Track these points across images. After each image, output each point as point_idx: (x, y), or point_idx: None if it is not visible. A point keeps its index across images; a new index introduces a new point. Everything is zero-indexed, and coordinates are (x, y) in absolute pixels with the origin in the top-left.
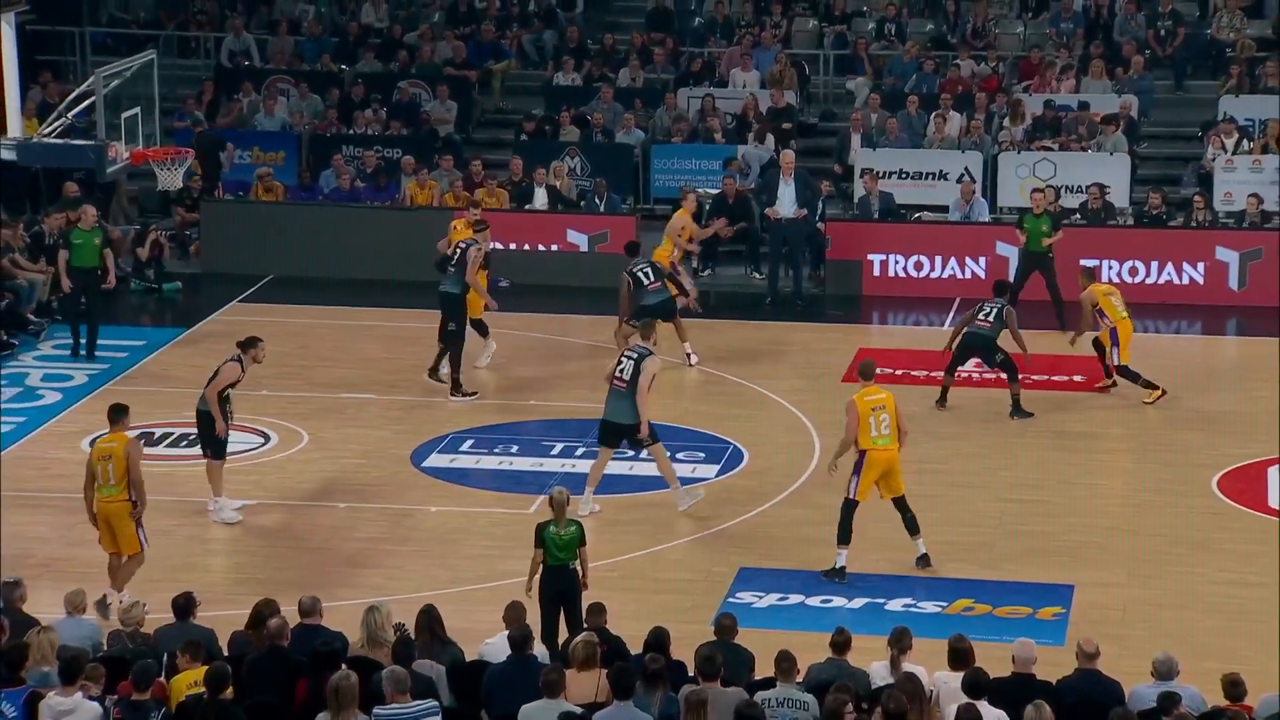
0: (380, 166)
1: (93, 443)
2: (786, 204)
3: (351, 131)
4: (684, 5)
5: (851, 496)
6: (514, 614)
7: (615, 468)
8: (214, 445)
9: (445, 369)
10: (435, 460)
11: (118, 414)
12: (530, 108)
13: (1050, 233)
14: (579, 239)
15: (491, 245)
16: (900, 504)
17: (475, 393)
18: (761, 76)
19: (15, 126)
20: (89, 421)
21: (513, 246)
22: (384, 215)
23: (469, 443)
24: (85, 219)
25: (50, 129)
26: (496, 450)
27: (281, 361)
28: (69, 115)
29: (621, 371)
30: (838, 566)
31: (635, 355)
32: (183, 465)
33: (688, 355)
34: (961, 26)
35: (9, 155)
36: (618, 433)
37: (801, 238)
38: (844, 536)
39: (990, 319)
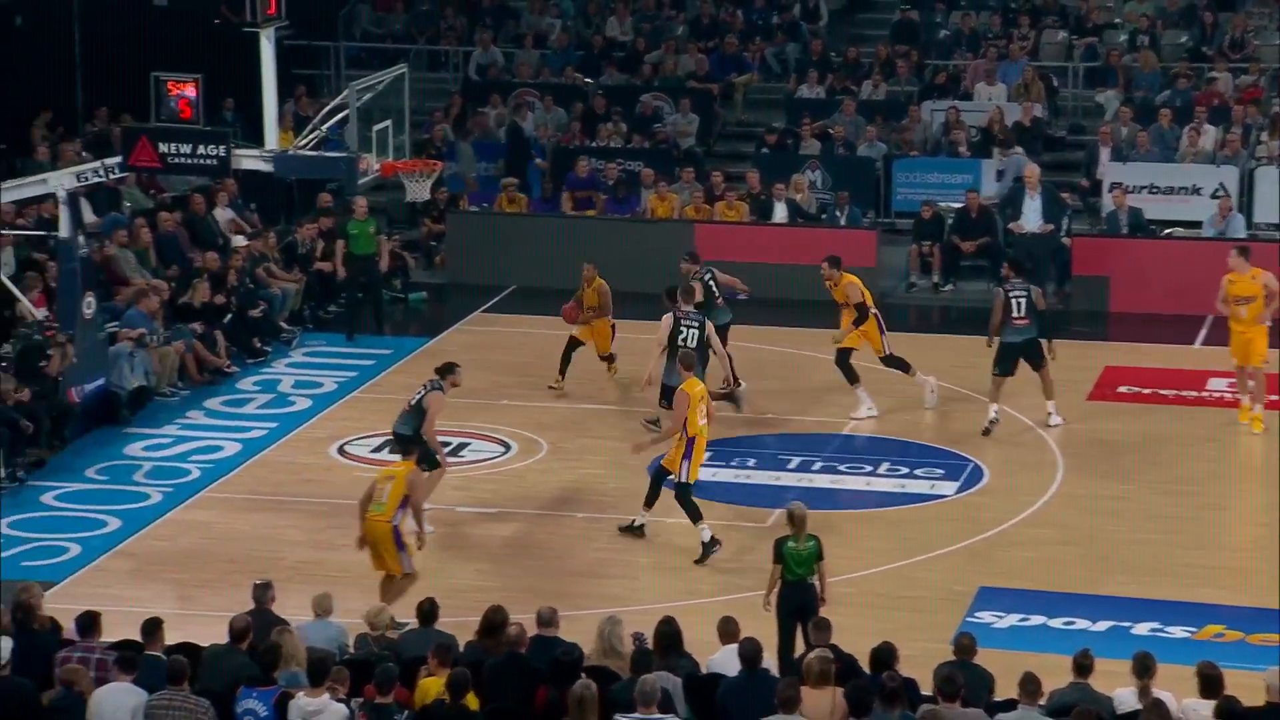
0: (621, 179)
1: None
2: (1032, 218)
3: (594, 144)
4: (930, 18)
5: (684, 479)
6: (728, 627)
7: (852, 483)
8: (427, 460)
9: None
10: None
11: (407, 445)
12: (771, 120)
13: None
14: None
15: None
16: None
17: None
18: (1007, 89)
19: (272, 139)
20: (338, 428)
21: (753, 261)
22: (624, 227)
23: (706, 455)
24: (359, 209)
25: (305, 141)
26: (734, 463)
27: (523, 371)
28: (323, 128)
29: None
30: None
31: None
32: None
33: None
34: (1219, 38)
35: (266, 166)
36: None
37: (1047, 253)
38: (696, 514)
39: (1024, 313)
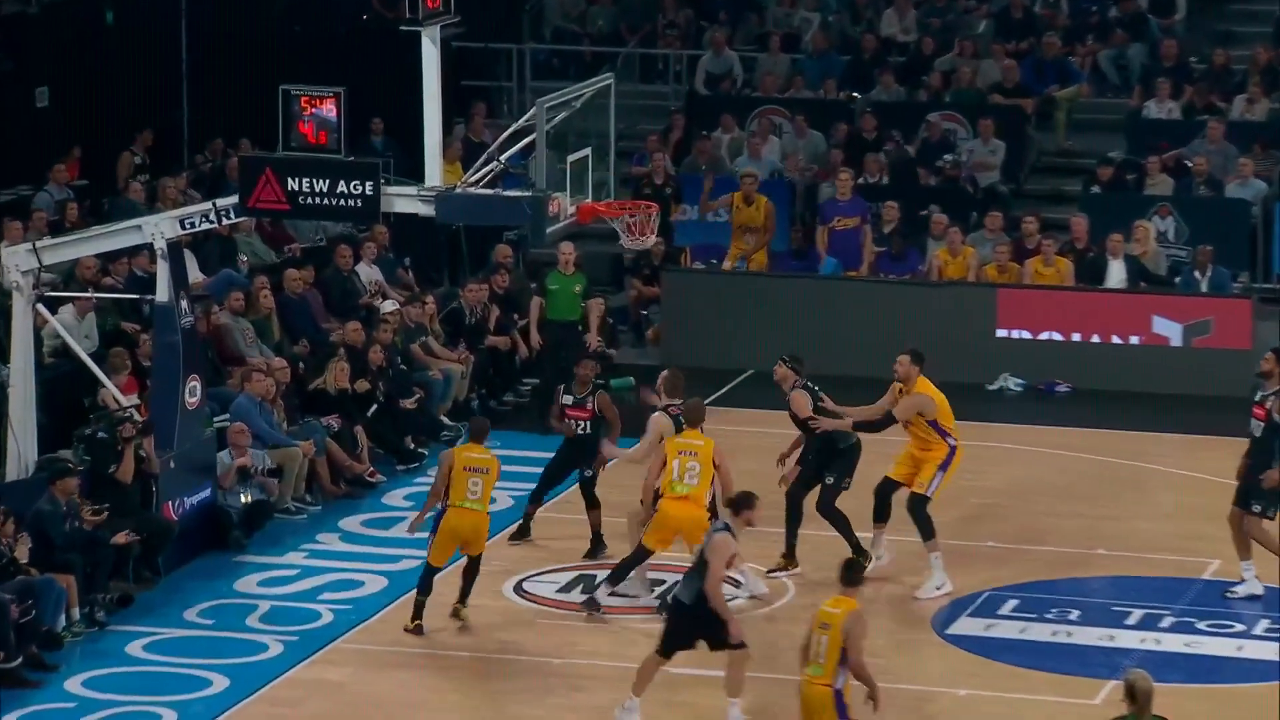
0: (898, 228)
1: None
2: None
3: (861, 180)
4: None
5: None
6: None
7: (1216, 646)
8: None
9: None
10: (965, 626)
11: (851, 574)
12: (1106, 149)
13: None
14: (1170, 329)
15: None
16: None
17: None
18: None
19: (434, 173)
20: (514, 558)
21: (1076, 337)
22: (901, 293)
23: (1011, 604)
24: (565, 258)
25: (477, 176)
26: (1049, 615)
27: (770, 488)
28: (501, 158)
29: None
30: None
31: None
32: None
33: None
34: None
35: (426, 209)
36: None
37: None
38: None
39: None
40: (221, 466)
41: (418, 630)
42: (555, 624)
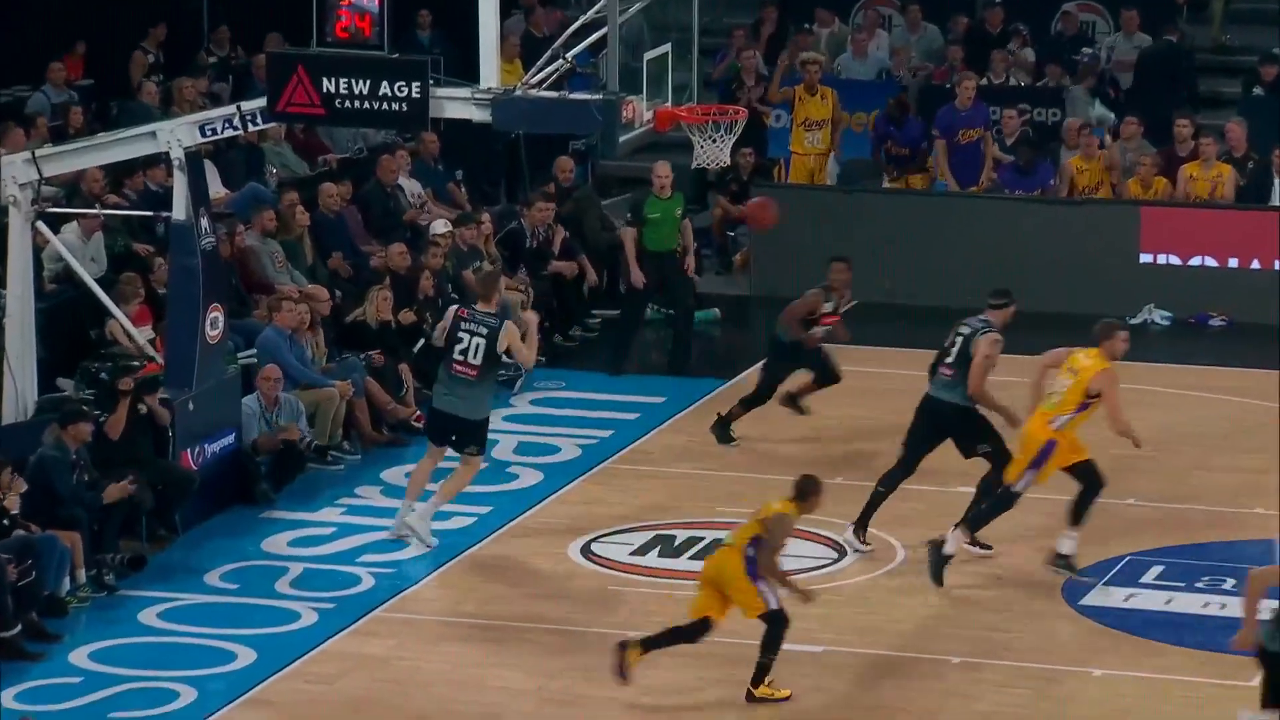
0: (1026, 135)
1: None
2: None
3: (985, 81)
4: None
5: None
6: None
7: None
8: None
9: None
10: (1100, 597)
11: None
12: (1271, 45)
13: None
14: None
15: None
16: None
17: None
18: None
19: (490, 73)
20: (582, 515)
21: (1233, 263)
22: (1029, 210)
23: (1156, 571)
24: (661, 183)
25: (539, 77)
26: (1200, 584)
27: (871, 434)
28: (566, 56)
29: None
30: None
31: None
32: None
33: None
34: None
35: (481, 115)
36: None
37: None
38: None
39: (952, 363)
40: (247, 412)
41: None
42: (628, 591)
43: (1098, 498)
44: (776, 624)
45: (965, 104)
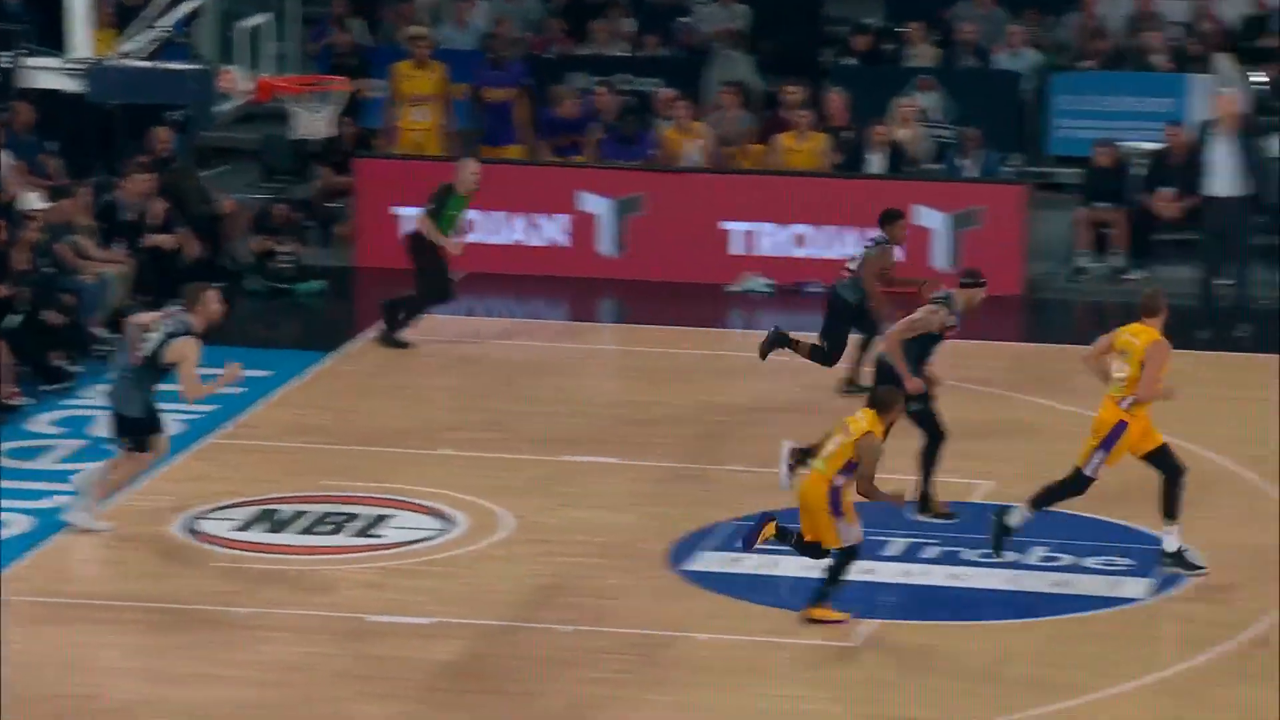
0: (628, 105)
1: None
2: (1222, 174)
3: (586, 51)
4: None
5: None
6: None
7: (986, 579)
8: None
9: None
10: (705, 561)
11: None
12: (861, 15)
13: None
14: (931, 218)
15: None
16: None
17: None
18: None
19: (83, 43)
20: (186, 492)
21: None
22: (630, 180)
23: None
24: (465, 176)
25: (134, 46)
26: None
27: (472, 404)
28: (160, 24)
29: None
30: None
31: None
32: (329, 561)
33: None
34: None
35: (74, 86)
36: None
37: (1245, 223)
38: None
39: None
40: None
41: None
42: (233, 568)
43: (1183, 481)
44: (847, 558)
45: (566, 112)
